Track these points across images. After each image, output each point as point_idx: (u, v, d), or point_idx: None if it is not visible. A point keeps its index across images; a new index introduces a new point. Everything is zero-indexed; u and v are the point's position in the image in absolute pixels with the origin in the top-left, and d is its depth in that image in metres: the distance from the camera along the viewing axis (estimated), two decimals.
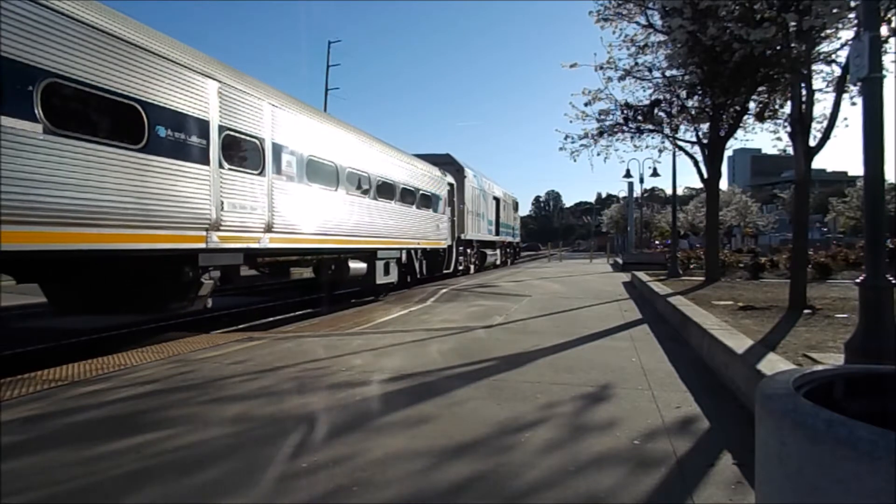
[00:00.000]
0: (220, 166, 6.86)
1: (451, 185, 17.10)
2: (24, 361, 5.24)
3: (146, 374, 4.62)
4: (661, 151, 12.96)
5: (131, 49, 5.70)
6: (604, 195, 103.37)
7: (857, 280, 3.66)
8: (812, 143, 6.72)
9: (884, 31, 5.42)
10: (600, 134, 11.52)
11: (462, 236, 18.73)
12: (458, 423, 3.22)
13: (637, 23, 9.86)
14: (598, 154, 11.88)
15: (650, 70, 10.55)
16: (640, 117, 11.17)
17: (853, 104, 6.54)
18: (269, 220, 7.86)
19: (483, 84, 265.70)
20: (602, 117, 11.38)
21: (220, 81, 6.95)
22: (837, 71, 6.94)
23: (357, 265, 11.33)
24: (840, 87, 6.50)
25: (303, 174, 8.76)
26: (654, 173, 23.99)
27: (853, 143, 4.56)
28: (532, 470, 2.56)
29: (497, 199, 24.28)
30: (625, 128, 11.44)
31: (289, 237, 8.40)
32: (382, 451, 2.80)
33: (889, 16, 5.57)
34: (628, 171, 26.28)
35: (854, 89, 6.20)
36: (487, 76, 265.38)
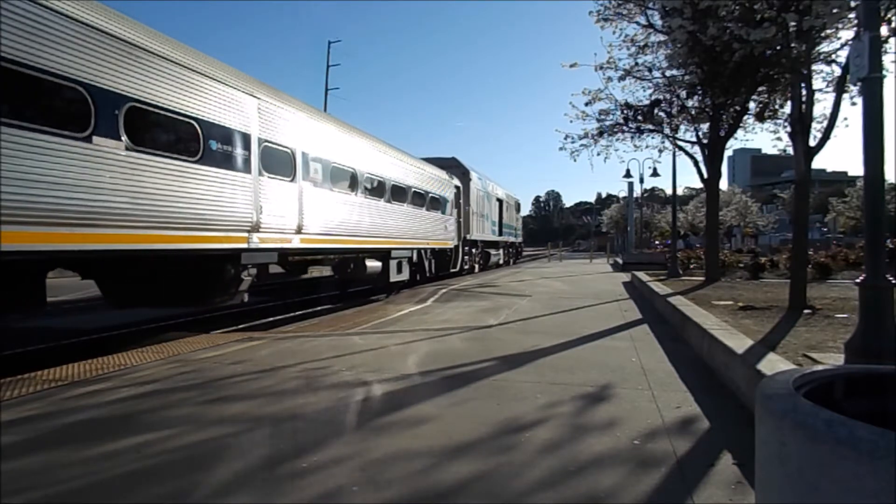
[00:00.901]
0: (260, 174, 7.64)
1: (457, 187, 17.93)
2: (24, 361, 5.24)
3: (146, 374, 4.62)
4: (661, 151, 12.97)
5: (190, 74, 6.51)
6: (604, 195, 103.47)
7: (857, 280, 3.65)
8: (812, 143, 6.72)
9: (884, 31, 5.41)
10: (600, 134, 11.52)
11: (467, 237, 19.38)
12: (458, 423, 3.22)
13: (637, 23, 9.86)
14: (598, 154, 11.89)
15: (650, 70, 10.56)
16: (640, 117, 11.17)
17: (853, 104, 6.54)
18: (300, 222, 8.64)
19: (483, 84, 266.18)
20: (602, 117, 11.38)
21: (259, 99, 7.75)
22: (837, 71, 6.95)
23: (373, 264, 12.12)
24: (840, 87, 6.49)
25: (327, 180, 9.53)
26: (654, 173, 24.02)
27: (853, 143, 4.56)
28: (532, 470, 2.56)
29: (500, 201, 24.97)
30: (625, 128, 11.44)
31: (315, 238, 9.16)
32: (382, 451, 2.80)
33: (889, 16, 5.57)
34: (628, 171, 26.31)
35: (854, 89, 6.20)
36: (487, 76, 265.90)
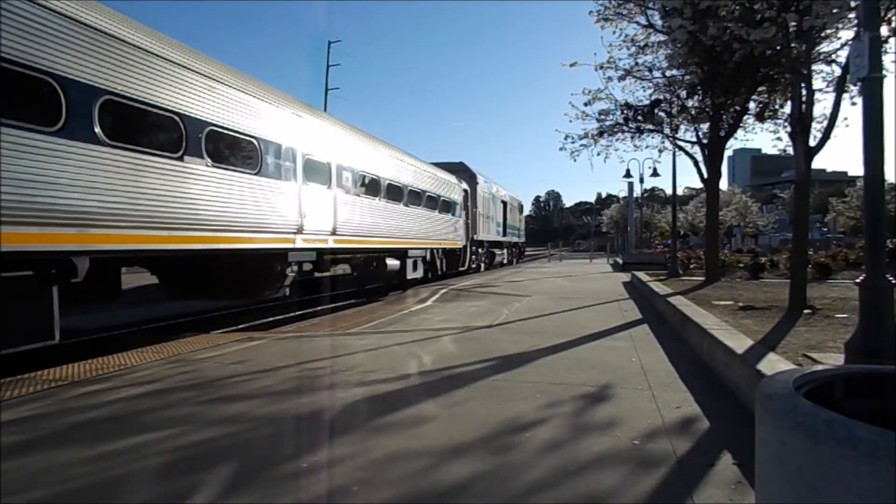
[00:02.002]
0: (304, 184, 8.80)
1: (465, 190, 19.17)
2: (24, 361, 5.23)
3: (146, 374, 4.62)
4: (661, 151, 12.95)
5: (253, 101, 7.82)
6: (604, 195, 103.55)
7: (857, 280, 3.65)
8: (812, 143, 6.72)
9: (884, 31, 5.42)
10: (600, 134, 11.50)
11: (475, 237, 20.51)
12: (458, 423, 3.22)
13: (637, 23, 9.85)
14: (598, 154, 11.86)
15: (650, 70, 10.54)
16: (640, 117, 11.15)
17: (853, 104, 6.54)
18: (334, 225, 9.81)
19: (483, 84, 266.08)
20: (602, 117, 11.35)
21: (302, 117, 8.97)
22: (837, 71, 6.95)
23: (392, 262, 13.21)
24: (840, 87, 6.49)
25: (356, 187, 10.73)
26: (654, 173, 24.01)
27: (853, 143, 4.56)
28: (532, 470, 2.56)
29: (504, 203, 26.16)
30: (625, 128, 11.42)
31: (347, 238, 10.33)
32: (382, 451, 2.80)
33: (889, 16, 5.57)
34: (628, 171, 26.29)
35: (854, 89, 6.20)
36: (487, 76, 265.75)
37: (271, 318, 9.73)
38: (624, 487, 2.38)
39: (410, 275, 14.15)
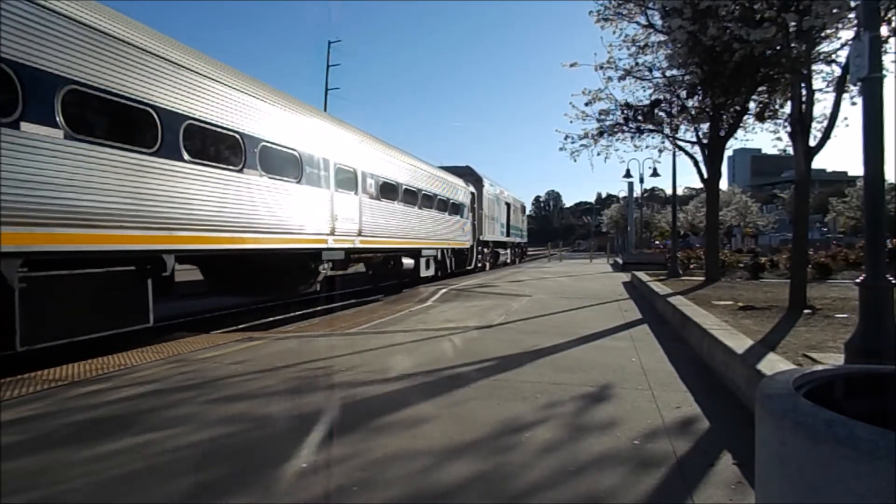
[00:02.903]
0: (335, 190, 10.06)
1: (472, 193, 20.47)
2: (24, 361, 5.23)
3: (146, 374, 4.62)
4: (661, 151, 12.94)
5: (297, 119, 9.10)
6: (604, 195, 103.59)
7: (857, 280, 3.65)
8: (812, 143, 6.71)
9: (884, 31, 5.42)
10: (600, 134, 11.50)
11: (480, 237, 21.78)
12: (458, 423, 3.22)
13: (637, 23, 9.84)
14: (598, 154, 11.85)
15: (650, 70, 10.53)
16: (640, 117, 11.15)
17: (853, 104, 6.54)
18: (360, 227, 10.99)
19: (483, 84, 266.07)
20: (602, 117, 11.35)
21: (332, 131, 10.22)
22: (837, 71, 6.94)
23: (408, 261, 14.37)
24: (840, 87, 6.49)
25: (378, 192, 12.02)
26: (654, 173, 23.98)
27: (853, 143, 4.56)
28: (532, 470, 2.56)
29: (508, 205, 27.46)
30: (625, 128, 11.41)
31: (370, 239, 11.58)
32: (382, 451, 2.80)
33: (889, 16, 5.57)
34: (628, 171, 26.27)
35: (854, 89, 6.20)
36: (487, 76, 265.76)
37: (271, 318, 9.72)
38: (624, 487, 2.38)
39: (423, 273, 15.26)
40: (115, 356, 5.33)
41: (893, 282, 3.53)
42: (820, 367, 1.48)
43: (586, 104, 11.21)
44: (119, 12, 6.07)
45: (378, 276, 14.63)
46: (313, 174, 9.32)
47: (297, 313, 10.28)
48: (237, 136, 7.54)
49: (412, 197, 14.05)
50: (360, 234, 10.94)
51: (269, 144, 8.19)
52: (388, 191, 12.55)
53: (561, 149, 11.93)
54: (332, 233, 9.84)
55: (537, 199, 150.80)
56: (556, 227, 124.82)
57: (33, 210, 4.88)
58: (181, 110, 6.59)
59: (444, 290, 12.15)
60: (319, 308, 10.38)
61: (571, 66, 10.31)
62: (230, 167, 7.43)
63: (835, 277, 11.97)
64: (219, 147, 7.29)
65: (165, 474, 2.56)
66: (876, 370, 1.47)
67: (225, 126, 7.33)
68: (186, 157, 6.65)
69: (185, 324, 8.95)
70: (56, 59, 5.13)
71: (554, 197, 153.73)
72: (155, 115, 6.19)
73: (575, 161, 12.26)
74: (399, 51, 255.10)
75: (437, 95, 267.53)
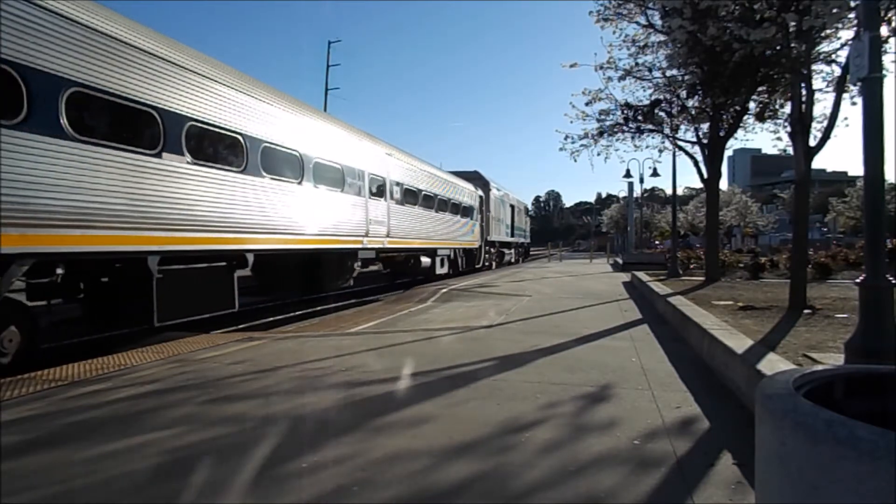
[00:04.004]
0: (369, 197, 11.61)
1: (480, 197, 22.12)
2: (24, 361, 5.24)
3: (146, 374, 4.62)
4: (661, 151, 12.93)
5: (341, 135, 10.69)
6: (604, 195, 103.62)
7: (857, 280, 3.65)
8: (812, 143, 6.71)
9: (884, 31, 5.41)
10: (600, 134, 11.50)
11: (488, 238, 23.33)
12: (458, 423, 3.22)
13: (637, 23, 9.84)
14: (598, 154, 11.85)
15: (650, 70, 10.53)
16: (640, 117, 11.15)
17: (853, 104, 6.53)
18: (388, 229, 12.53)
19: (483, 84, 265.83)
20: (602, 117, 11.35)
21: (365, 145, 11.76)
22: (837, 71, 6.94)
23: (425, 260, 15.82)
24: (840, 87, 6.48)
25: (402, 198, 13.62)
26: (654, 173, 23.96)
27: (853, 143, 4.55)
28: (532, 470, 2.56)
29: (512, 206, 29.01)
30: (625, 128, 11.41)
31: (396, 240, 13.12)
32: (382, 451, 2.80)
33: (889, 16, 5.56)
34: (628, 171, 26.24)
35: (854, 89, 6.19)
36: (488, 76, 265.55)
37: (271, 319, 9.71)
38: (624, 487, 2.38)
39: (438, 270, 16.71)
40: (115, 356, 5.33)
41: (893, 282, 3.53)
42: (820, 367, 1.48)
43: (586, 104, 11.23)
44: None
45: (396, 273, 15.74)
46: (352, 184, 10.86)
47: (298, 313, 10.27)
48: (298, 154, 9.11)
49: (429, 202, 15.68)
50: (388, 236, 12.48)
51: (320, 161, 9.68)
52: (410, 196, 14.14)
53: (561, 149, 11.94)
54: (367, 234, 11.39)
55: (537, 199, 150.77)
56: (556, 228, 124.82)
57: (172, 220, 6.45)
58: (261, 136, 8.20)
59: (444, 290, 12.15)
60: (319, 308, 10.39)
61: (571, 66, 10.31)
62: (292, 180, 8.92)
63: (835, 277, 11.97)
64: (284, 163, 8.76)
65: (165, 474, 2.56)
66: (876, 370, 1.47)
67: (290, 147, 8.95)
68: (265, 174, 8.21)
69: (186, 324, 8.95)
70: (186, 104, 6.77)
71: (554, 197, 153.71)
72: (243, 143, 7.80)
73: (575, 161, 12.27)
74: (399, 51, 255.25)
75: (437, 96, 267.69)
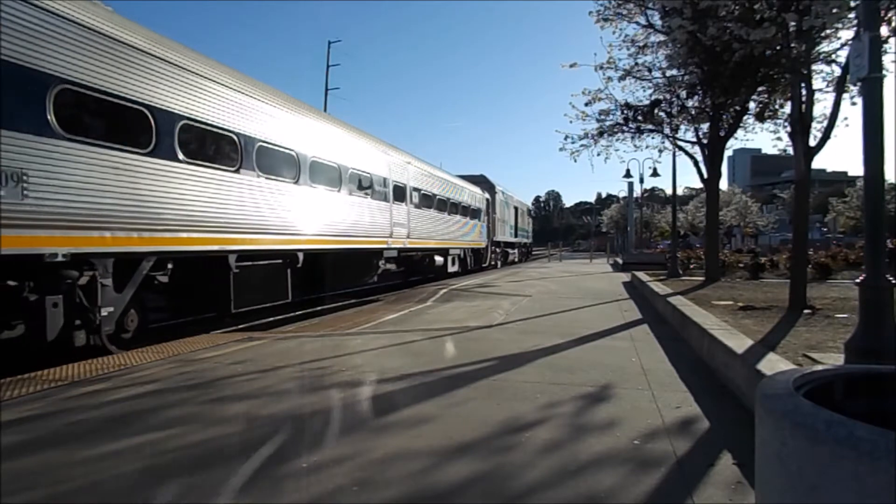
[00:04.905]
0: (393, 202, 12.91)
1: (487, 200, 23.52)
2: (24, 361, 5.24)
3: (146, 374, 4.62)
4: (661, 151, 12.94)
5: (369, 149, 12.05)
6: (604, 195, 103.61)
7: (857, 280, 3.65)
8: (812, 143, 6.71)
9: (884, 31, 5.41)
10: (600, 134, 11.50)
11: (493, 238, 24.55)
12: (458, 423, 3.22)
13: (637, 23, 9.85)
14: (598, 154, 11.86)
15: (650, 70, 10.54)
16: (640, 117, 11.15)
17: (853, 104, 6.53)
18: (409, 231, 13.91)
19: (483, 85, 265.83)
20: (602, 117, 11.35)
21: (389, 155, 13.18)
22: (837, 71, 6.94)
23: (439, 259, 17.14)
24: (840, 87, 6.48)
25: (421, 202, 15.09)
26: (654, 173, 23.95)
27: (853, 143, 4.56)
28: (532, 470, 2.56)
29: (516, 208, 30.37)
30: (625, 128, 11.41)
31: (416, 241, 14.48)
32: (383, 451, 2.80)
33: (889, 16, 5.56)
34: (628, 171, 26.29)
35: (854, 89, 6.19)
36: (488, 77, 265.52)
37: (271, 318, 9.71)
38: (624, 487, 2.38)
39: (450, 269, 18.01)
40: (115, 356, 5.34)
41: (893, 282, 3.53)
42: (820, 367, 1.48)
43: (586, 104, 11.22)
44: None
45: (410, 272, 16.64)
46: (379, 191, 12.23)
47: (298, 313, 10.27)
48: (336, 166, 10.34)
49: (443, 205, 17.10)
50: (408, 237, 13.87)
51: (353, 171, 10.99)
52: (426, 200, 15.54)
53: (561, 149, 11.96)
54: (391, 236, 12.73)
55: (537, 199, 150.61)
56: (556, 228, 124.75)
57: (247, 225, 7.76)
58: (306, 152, 9.39)
59: (444, 290, 12.15)
60: (319, 308, 10.38)
61: (571, 66, 10.31)
62: (333, 189, 10.20)
63: (835, 277, 11.97)
64: (326, 175, 10.00)
65: (165, 474, 2.56)
66: (876, 370, 1.47)
67: (332, 161, 10.25)
68: (315, 185, 9.57)
69: (185, 323, 8.95)
70: (253, 127, 8.06)
71: (554, 197, 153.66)
72: (296, 159, 9.10)
73: (575, 161, 12.28)
74: (399, 51, 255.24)
75: (437, 96, 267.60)
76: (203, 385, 4.23)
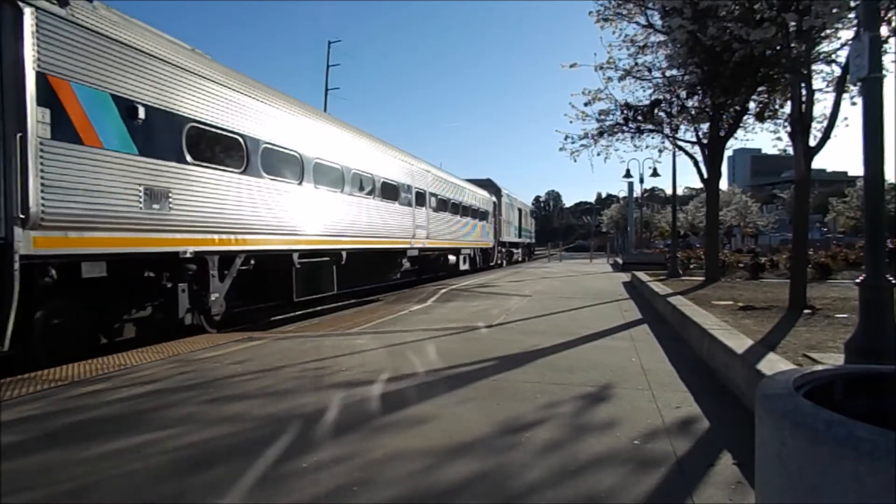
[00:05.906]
0: (415, 207, 14.37)
1: (494, 202, 24.91)
2: (24, 361, 5.24)
3: (146, 374, 4.62)
4: (661, 151, 12.94)
5: (396, 160, 13.56)
6: (604, 195, 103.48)
7: (857, 280, 3.65)
8: (812, 143, 6.71)
9: (884, 31, 5.41)
10: (600, 134, 11.49)
11: (499, 239, 25.99)
12: (458, 423, 3.22)
13: (637, 23, 9.84)
14: (598, 154, 11.85)
15: (650, 70, 10.53)
16: (640, 117, 11.14)
17: (853, 104, 6.53)
18: (428, 233, 15.38)
19: (483, 85, 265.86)
20: (602, 117, 11.34)
21: (412, 164, 14.63)
22: (837, 71, 6.94)
23: (452, 258, 18.59)
24: (840, 87, 6.48)
25: (437, 206, 16.49)
26: (654, 173, 23.92)
27: (853, 143, 4.55)
28: (532, 470, 2.56)
29: (520, 210, 31.91)
30: (625, 128, 11.40)
31: (434, 241, 15.98)
32: (383, 451, 2.80)
33: (889, 16, 5.56)
34: (628, 171, 26.24)
35: (854, 89, 6.19)
36: (488, 77, 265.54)
37: (271, 318, 9.71)
38: (624, 487, 2.38)
39: (461, 267, 19.41)
40: (115, 356, 5.33)
41: (893, 282, 3.53)
42: (820, 367, 1.48)
43: (586, 104, 11.22)
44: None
45: (424, 269, 17.58)
46: (404, 197, 13.66)
47: (298, 313, 10.27)
48: (371, 176, 11.72)
49: (456, 208, 18.55)
50: (427, 238, 15.25)
51: (385, 180, 12.46)
52: (441, 204, 16.93)
53: (561, 149, 11.95)
54: (413, 237, 14.13)
55: (537, 199, 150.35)
56: (556, 228, 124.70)
57: (305, 230, 9.07)
58: (349, 165, 10.75)
59: (444, 290, 12.15)
60: (319, 308, 10.39)
61: (571, 66, 10.31)
62: (369, 196, 11.64)
63: (835, 277, 11.97)
64: (363, 183, 11.44)
65: (165, 474, 2.56)
66: (876, 370, 1.47)
67: (366, 171, 11.54)
68: (356, 193, 11.10)
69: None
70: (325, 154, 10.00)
71: (554, 197, 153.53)
72: (341, 172, 10.44)
73: (575, 161, 12.27)
74: (399, 51, 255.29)
75: (437, 96, 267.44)
76: (203, 385, 4.23)
